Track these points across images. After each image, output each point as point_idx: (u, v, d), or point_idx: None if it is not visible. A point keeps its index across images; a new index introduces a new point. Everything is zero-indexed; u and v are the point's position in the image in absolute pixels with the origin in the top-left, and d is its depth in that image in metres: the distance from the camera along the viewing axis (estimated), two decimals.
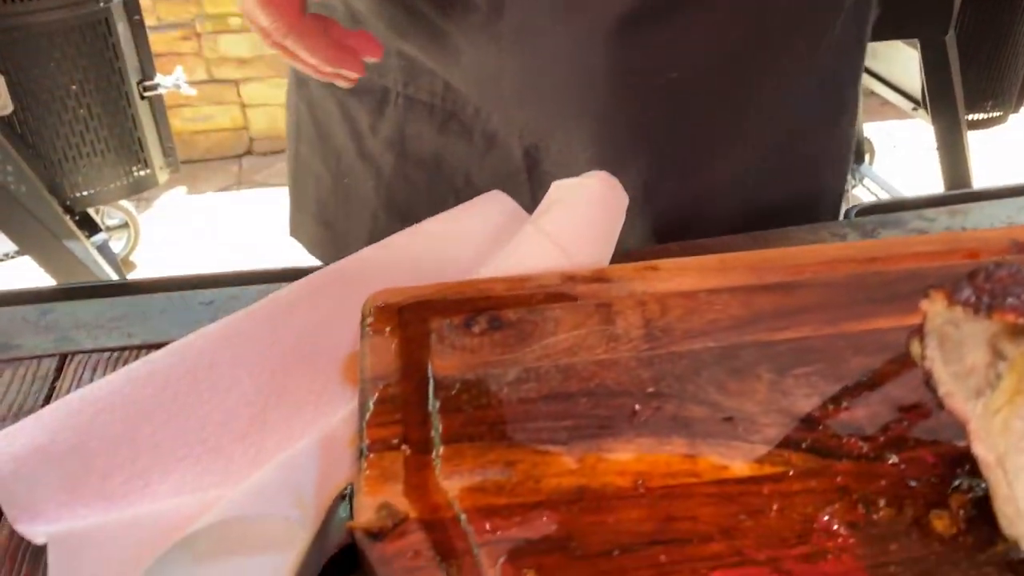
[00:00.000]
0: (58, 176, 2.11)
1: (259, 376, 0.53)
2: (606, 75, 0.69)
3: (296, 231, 0.92)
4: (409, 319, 0.53)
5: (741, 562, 0.37)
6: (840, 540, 0.38)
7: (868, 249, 0.57)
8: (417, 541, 0.39)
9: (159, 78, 2.16)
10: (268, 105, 3.34)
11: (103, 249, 2.23)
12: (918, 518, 0.39)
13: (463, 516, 0.40)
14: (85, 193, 2.16)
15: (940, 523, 0.38)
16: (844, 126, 0.78)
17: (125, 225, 2.70)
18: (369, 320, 0.52)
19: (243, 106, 3.33)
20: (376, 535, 0.39)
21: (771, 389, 0.46)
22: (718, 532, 0.39)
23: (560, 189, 0.63)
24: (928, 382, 0.41)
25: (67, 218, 2.12)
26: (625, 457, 0.43)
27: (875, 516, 0.39)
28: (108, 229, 2.54)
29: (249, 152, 3.43)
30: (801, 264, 0.56)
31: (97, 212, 2.40)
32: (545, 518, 0.40)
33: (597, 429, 0.45)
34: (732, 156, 0.74)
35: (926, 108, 2.47)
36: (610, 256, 0.60)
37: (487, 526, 0.39)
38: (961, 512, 0.39)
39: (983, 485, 0.40)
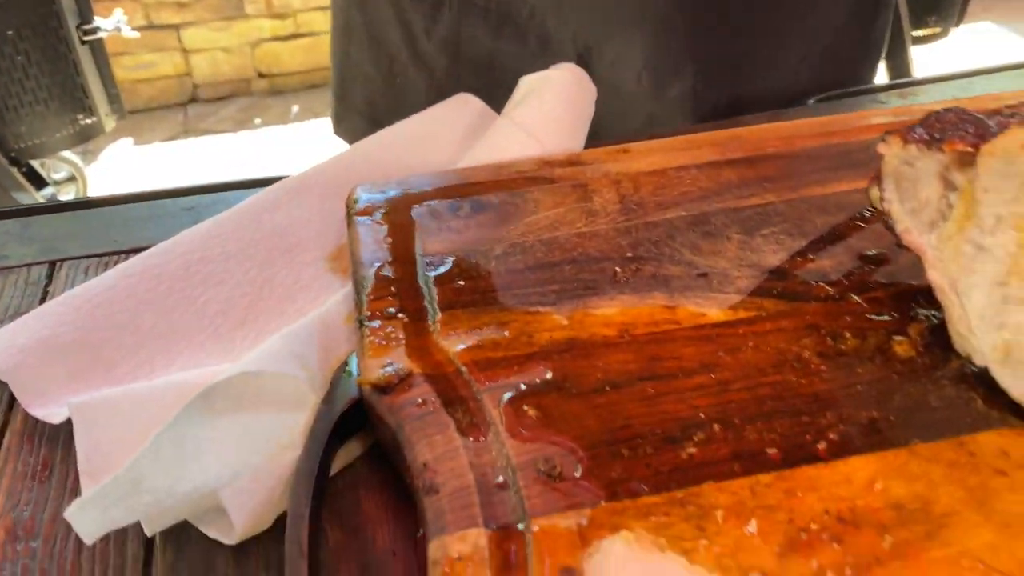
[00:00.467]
0: (0, 127, 2.05)
1: (249, 269, 0.55)
2: None
3: (341, 129, 0.93)
4: (395, 206, 0.55)
5: (723, 390, 0.41)
6: (811, 367, 0.42)
7: (826, 124, 0.61)
8: (423, 392, 0.41)
9: (98, 21, 2.10)
10: (210, 50, 3.27)
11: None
12: (881, 346, 0.43)
13: (464, 369, 0.43)
14: (30, 143, 2.11)
15: (901, 348, 0.42)
16: (880, 25, 0.81)
17: (72, 179, 2.64)
18: (356, 208, 0.54)
19: (185, 52, 3.25)
20: (384, 389, 0.41)
21: (741, 248, 0.50)
22: (700, 367, 0.42)
23: (530, 82, 0.65)
24: (887, 223, 0.44)
25: (14, 170, 2.08)
26: (610, 312, 0.46)
27: (842, 346, 0.43)
28: (55, 184, 2.49)
29: (194, 100, 3.36)
30: (763, 140, 0.59)
31: (43, 166, 2.34)
32: (540, 366, 0.42)
33: (582, 291, 0.47)
34: (776, 61, 0.77)
35: None
36: (583, 143, 0.62)
37: (487, 376, 0.42)
38: (919, 338, 0.43)
39: (939, 314, 0.44)
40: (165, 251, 0.55)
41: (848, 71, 0.82)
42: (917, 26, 2.62)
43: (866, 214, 0.51)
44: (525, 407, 0.40)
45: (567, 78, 0.63)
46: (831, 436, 0.38)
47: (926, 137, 0.39)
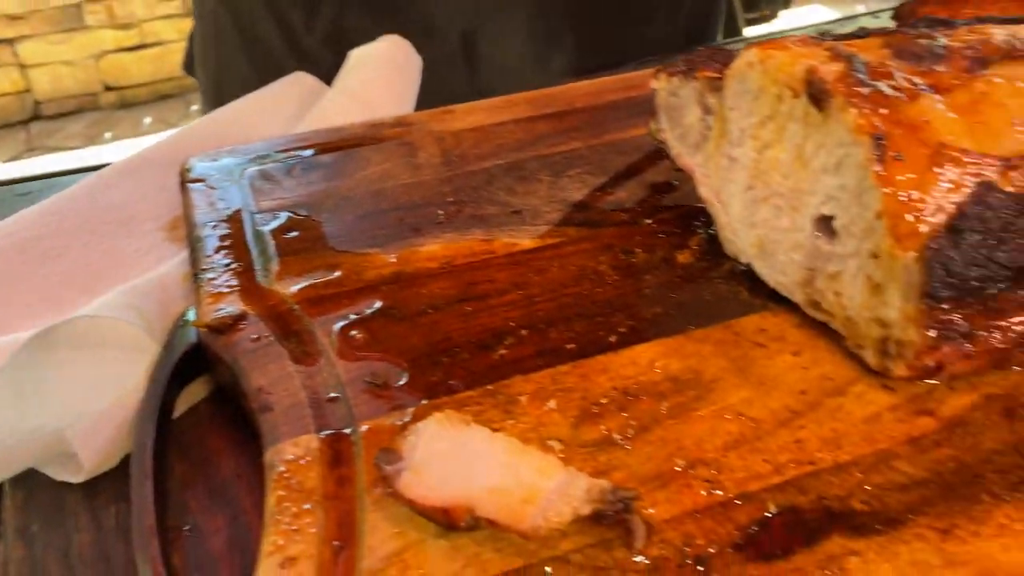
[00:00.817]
0: None
1: (88, 242, 0.56)
2: None
3: None
4: (228, 171, 0.57)
5: (531, 303, 0.46)
6: (607, 279, 0.47)
7: (629, 79, 0.67)
8: (257, 329, 0.44)
9: None
10: (51, 64, 3.13)
11: None
12: (666, 256, 0.49)
13: (296, 307, 0.46)
14: None
15: (682, 256, 0.48)
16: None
17: None
18: (189, 176, 0.57)
19: (22, 67, 3.10)
20: (219, 330, 0.44)
21: (550, 188, 0.55)
22: (512, 287, 0.47)
23: (358, 55, 0.68)
24: (664, 150, 0.50)
25: None
26: (434, 248, 0.50)
27: (633, 260, 0.49)
28: None
29: (36, 117, 3.21)
30: (574, 96, 0.65)
31: None
32: (368, 298, 0.46)
33: (409, 233, 0.52)
34: (647, 28, 0.82)
35: None
36: (412, 106, 0.67)
37: (318, 310, 0.46)
38: (698, 247, 0.49)
39: (713, 226, 0.50)
40: None
41: (709, 36, 0.90)
42: (749, 9, 2.81)
43: (655, 152, 0.58)
44: (354, 333, 0.44)
45: (391, 48, 0.68)
46: (621, 330, 0.44)
47: (684, 68, 0.46)
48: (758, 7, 3.08)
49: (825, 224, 0.40)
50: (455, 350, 0.43)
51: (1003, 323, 0.37)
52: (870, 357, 0.40)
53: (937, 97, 0.36)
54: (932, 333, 0.36)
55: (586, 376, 0.41)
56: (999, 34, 0.39)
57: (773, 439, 0.38)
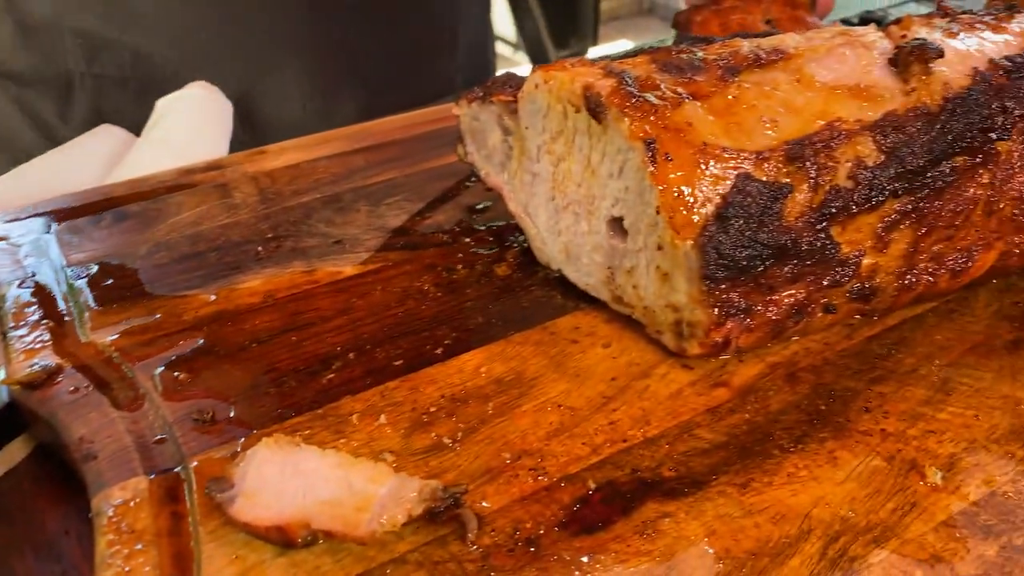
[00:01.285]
0: None
1: None
2: (310, 5, 0.74)
3: None
4: (33, 227, 0.55)
5: (356, 327, 0.47)
6: (430, 296, 0.49)
7: (437, 112, 0.70)
8: (74, 381, 0.43)
9: None
10: None
11: None
12: (485, 271, 0.51)
13: (115, 355, 0.45)
14: None
15: (500, 269, 0.51)
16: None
17: None
18: None
19: None
20: (32, 385, 0.43)
21: (369, 216, 0.57)
22: (337, 313, 0.48)
23: (164, 104, 0.68)
24: (474, 172, 0.53)
25: None
26: (255, 283, 0.50)
27: (454, 276, 0.51)
28: None
29: None
30: (385, 130, 0.68)
31: None
32: (189, 338, 0.46)
33: (228, 271, 0.52)
34: (430, 74, 0.84)
35: (521, 49, 2.78)
36: (225, 151, 0.67)
37: (138, 356, 0.45)
38: (513, 260, 0.52)
39: (525, 240, 0.53)
40: None
41: (488, 71, 0.93)
42: (560, 47, 2.95)
43: (474, 180, 0.61)
44: (177, 373, 0.44)
45: (200, 94, 0.67)
46: (446, 342, 0.46)
47: (481, 94, 0.49)
48: (567, 44, 3.23)
49: (617, 225, 0.44)
50: (282, 379, 0.43)
51: (775, 297, 0.42)
52: (668, 340, 0.44)
53: (697, 103, 0.40)
54: (715, 311, 0.41)
55: (415, 388, 0.43)
56: (746, 46, 0.44)
57: (590, 424, 0.40)
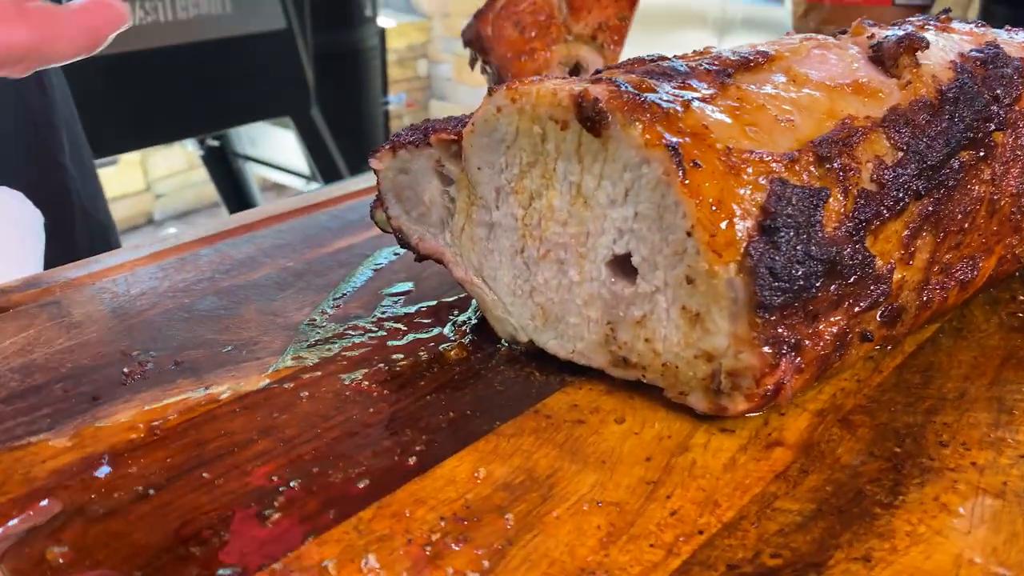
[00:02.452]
0: None
1: None
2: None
3: None
4: None
5: (290, 448, 0.35)
6: (374, 396, 0.38)
7: (312, 197, 0.60)
8: None
9: None
10: None
11: None
12: (433, 358, 0.41)
13: None
14: None
15: (452, 353, 0.41)
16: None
17: None
18: None
19: None
20: None
21: (264, 314, 0.45)
22: (257, 435, 0.35)
23: None
24: (401, 240, 0.43)
25: None
26: (130, 414, 0.37)
27: (397, 369, 0.40)
28: None
29: None
30: (255, 221, 0.56)
31: None
32: (48, 500, 0.32)
33: (85, 404, 0.38)
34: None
35: (316, 179, 2.70)
36: (40, 266, 0.52)
37: None
38: (464, 340, 0.42)
39: (476, 313, 0.44)
40: None
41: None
42: (354, 173, 2.90)
43: (383, 261, 0.51)
44: (46, 552, 0.29)
45: (4, 200, 0.53)
46: (417, 449, 0.34)
47: (412, 138, 0.40)
48: (362, 168, 3.20)
49: (621, 265, 0.35)
50: (205, 532, 0.30)
51: (820, 327, 0.35)
52: (699, 401, 0.35)
53: (707, 105, 0.34)
54: (768, 351, 0.33)
55: (400, 514, 0.31)
56: (724, 51, 0.38)
57: (647, 519, 0.31)
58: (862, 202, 0.35)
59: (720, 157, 0.32)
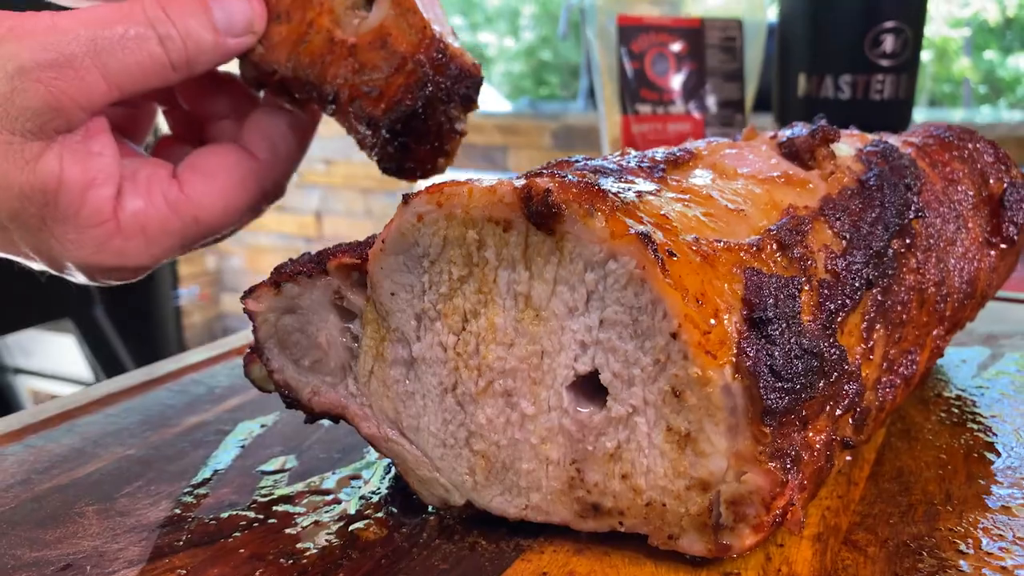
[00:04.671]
0: None
1: None
2: None
3: None
4: None
5: None
6: None
7: (144, 373, 0.50)
8: None
9: None
10: None
11: None
12: (345, 541, 0.32)
13: None
14: None
15: (368, 532, 0.32)
16: None
17: None
18: None
19: None
20: None
21: (106, 517, 0.34)
22: None
23: None
24: (287, 398, 0.35)
25: None
26: None
27: (304, 560, 0.31)
28: None
29: None
30: (72, 408, 0.45)
31: None
32: None
33: None
34: None
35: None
36: None
37: None
38: (379, 514, 0.34)
39: (389, 477, 0.36)
40: None
41: None
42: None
43: (248, 435, 0.42)
44: None
45: None
46: None
47: (302, 268, 0.33)
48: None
49: (586, 386, 0.30)
50: None
51: (811, 435, 0.30)
52: (693, 543, 0.29)
53: (656, 197, 0.30)
54: (775, 467, 0.28)
55: None
56: (643, 152, 0.35)
57: None
58: (826, 292, 0.32)
59: (691, 247, 0.28)
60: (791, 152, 0.38)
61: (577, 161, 0.34)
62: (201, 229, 0.38)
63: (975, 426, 0.42)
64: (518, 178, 0.31)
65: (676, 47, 0.96)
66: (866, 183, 0.37)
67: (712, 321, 0.27)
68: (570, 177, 0.29)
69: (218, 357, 0.52)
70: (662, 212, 0.29)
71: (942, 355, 0.44)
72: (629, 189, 0.30)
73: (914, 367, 0.40)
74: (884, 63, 0.85)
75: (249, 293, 0.34)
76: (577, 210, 0.27)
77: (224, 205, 0.38)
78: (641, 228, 0.27)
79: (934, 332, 0.42)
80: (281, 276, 0.33)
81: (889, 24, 0.85)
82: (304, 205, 4.32)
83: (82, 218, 0.35)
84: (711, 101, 0.97)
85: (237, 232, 0.41)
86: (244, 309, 0.34)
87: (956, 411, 0.43)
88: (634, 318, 0.28)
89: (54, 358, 2.60)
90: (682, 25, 0.97)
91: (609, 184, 0.30)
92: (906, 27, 0.85)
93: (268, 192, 0.40)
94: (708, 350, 0.27)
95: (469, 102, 0.39)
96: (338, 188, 4.22)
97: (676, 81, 0.96)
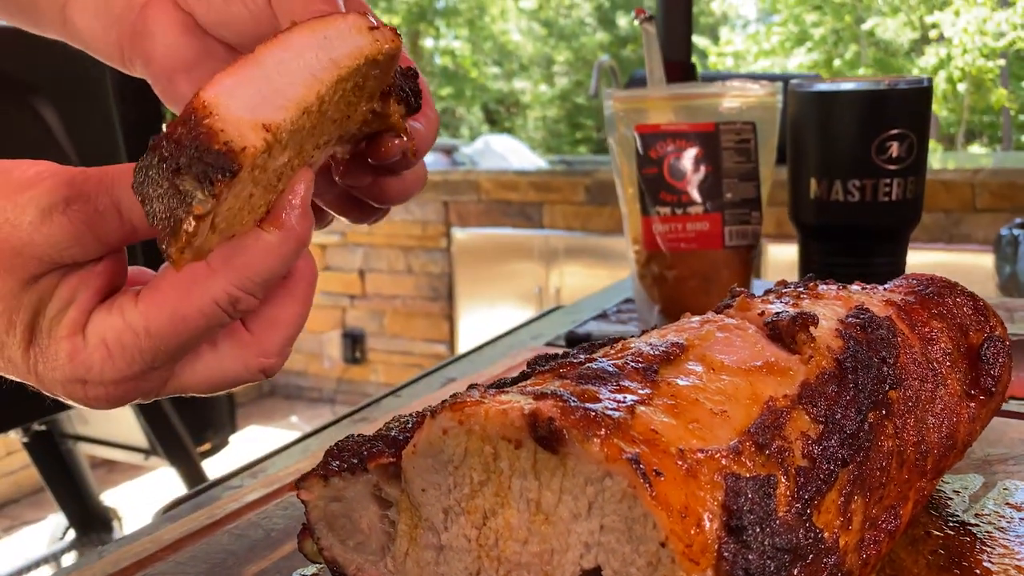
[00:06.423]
0: None
1: None
2: None
3: None
4: None
5: None
6: None
7: (206, 515, 0.55)
8: None
9: None
10: None
11: None
12: None
13: None
14: None
15: None
16: None
17: None
18: None
19: None
20: None
21: None
22: None
23: None
24: (338, 572, 0.40)
25: None
26: None
27: None
28: None
29: None
30: (144, 558, 0.51)
31: None
32: None
33: None
34: None
35: (158, 453, 2.55)
36: None
37: None
38: None
39: None
40: None
41: None
42: (200, 443, 2.76)
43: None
44: None
45: None
46: None
47: (346, 465, 0.38)
48: (206, 438, 3.03)
49: None
50: None
51: None
52: None
53: (648, 409, 0.35)
54: None
55: None
56: (641, 345, 0.40)
57: None
58: (802, 480, 0.36)
59: (676, 461, 0.33)
60: (775, 335, 0.43)
61: (578, 359, 0.39)
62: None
63: (965, 564, 0.45)
64: (528, 395, 0.36)
65: (692, 151, 1.02)
66: (843, 363, 0.42)
67: (694, 531, 0.32)
68: (572, 399, 0.34)
69: (271, 495, 0.58)
70: (651, 427, 0.34)
71: (927, 500, 0.48)
72: (622, 403, 0.35)
73: (897, 521, 0.44)
74: (891, 167, 0.90)
75: (301, 482, 0.40)
76: (577, 435, 0.32)
77: None
78: (630, 454, 0.32)
79: (917, 484, 0.45)
80: (328, 472, 0.39)
81: (894, 131, 0.89)
82: (348, 264, 4.44)
83: None
84: (728, 200, 1.02)
85: None
86: (297, 495, 0.40)
87: (943, 552, 0.47)
88: (628, 526, 0.33)
89: (112, 425, 2.70)
90: (698, 130, 1.02)
91: (605, 398, 0.35)
92: (911, 133, 0.89)
93: None
94: (691, 558, 0.31)
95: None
96: (380, 247, 4.33)
97: (694, 183, 1.01)
